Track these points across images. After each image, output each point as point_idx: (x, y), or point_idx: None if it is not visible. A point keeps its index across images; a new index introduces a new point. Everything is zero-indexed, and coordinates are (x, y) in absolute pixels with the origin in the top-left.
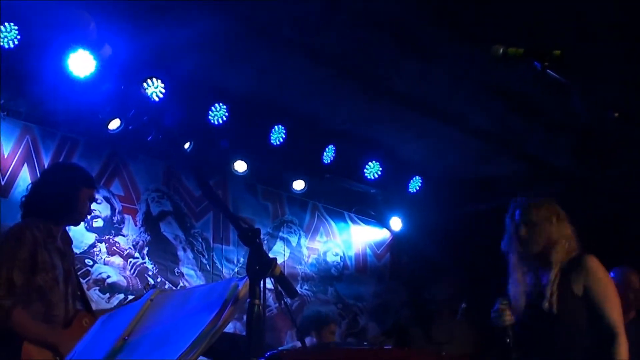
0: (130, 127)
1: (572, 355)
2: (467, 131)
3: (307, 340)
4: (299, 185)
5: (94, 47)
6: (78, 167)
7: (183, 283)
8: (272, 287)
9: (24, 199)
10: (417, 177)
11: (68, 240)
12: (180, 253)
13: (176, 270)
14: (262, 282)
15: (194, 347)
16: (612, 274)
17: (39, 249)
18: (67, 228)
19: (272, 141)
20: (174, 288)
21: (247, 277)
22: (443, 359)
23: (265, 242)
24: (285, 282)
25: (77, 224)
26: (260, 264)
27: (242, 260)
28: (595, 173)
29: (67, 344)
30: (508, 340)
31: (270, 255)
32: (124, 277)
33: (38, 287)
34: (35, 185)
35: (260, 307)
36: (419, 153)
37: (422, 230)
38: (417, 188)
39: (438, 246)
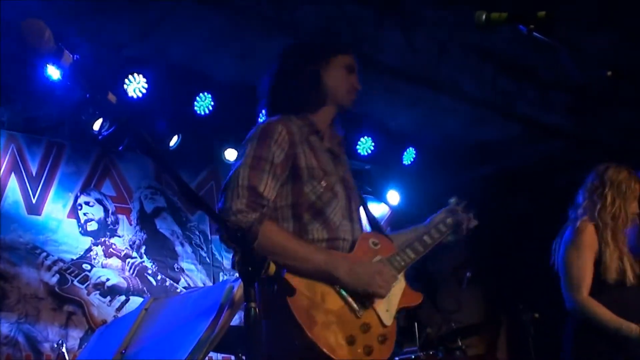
0: (114, 127)
1: None
2: (458, 97)
3: None
4: None
5: (53, 57)
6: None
7: (184, 278)
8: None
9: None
10: (411, 148)
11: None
12: (179, 248)
13: (176, 266)
14: (256, 283)
15: (192, 356)
16: None
17: (300, 150)
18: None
19: None
20: (175, 285)
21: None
22: None
23: None
24: (281, 280)
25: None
26: (252, 265)
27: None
28: (591, 130)
29: (351, 270)
30: None
31: None
32: (124, 278)
33: (310, 202)
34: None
35: (257, 310)
36: (411, 124)
37: (421, 202)
38: (412, 159)
39: None
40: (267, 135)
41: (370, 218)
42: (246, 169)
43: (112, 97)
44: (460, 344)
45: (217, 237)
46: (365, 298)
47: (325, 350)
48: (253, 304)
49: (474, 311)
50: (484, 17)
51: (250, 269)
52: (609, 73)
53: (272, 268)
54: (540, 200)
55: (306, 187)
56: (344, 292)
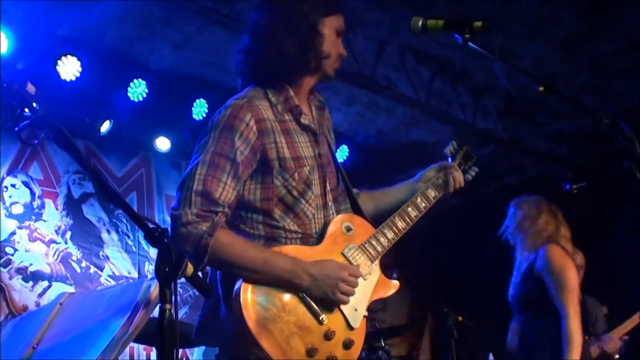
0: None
1: None
2: (393, 98)
3: None
4: None
5: None
6: None
7: (109, 266)
8: None
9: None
10: (344, 145)
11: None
12: (105, 235)
13: (101, 253)
14: (173, 285)
15: (104, 355)
16: None
17: (273, 138)
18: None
19: (194, 116)
20: (99, 272)
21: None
22: None
23: None
24: (199, 282)
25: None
26: (169, 266)
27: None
28: (521, 136)
29: (313, 278)
30: None
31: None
32: (47, 264)
33: (280, 197)
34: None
35: (172, 312)
36: (346, 122)
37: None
38: (345, 157)
39: None
40: (231, 127)
41: (348, 192)
42: (203, 167)
43: (31, 88)
44: (383, 344)
45: None
46: (332, 304)
47: None
48: (168, 306)
49: (398, 312)
50: (420, 23)
51: (167, 269)
52: (541, 88)
53: (190, 269)
54: (469, 204)
55: (276, 180)
56: (306, 297)
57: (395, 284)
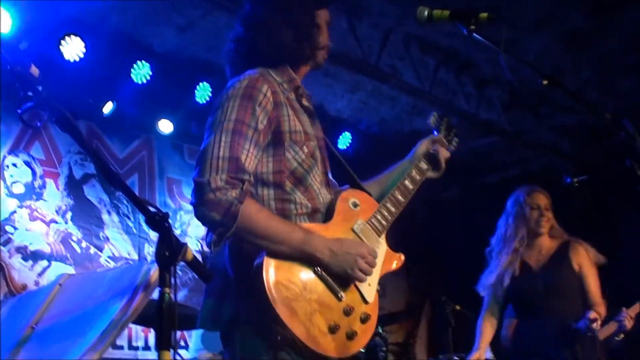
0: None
1: None
2: (397, 87)
3: None
4: None
5: None
6: None
7: (108, 247)
8: None
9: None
10: (347, 132)
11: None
12: (105, 217)
13: (101, 234)
14: (172, 269)
15: (103, 337)
16: None
17: (283, 112)
18: None
19: (197, 99)
20: (99, 253)
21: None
22: None
23: None
24: (198, 266)
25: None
26: (170, 250)
27: (170, 222)
28: (525, 128)
29: (332, 253)
30: None
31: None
32: (47, 243)
33: (292, 170)
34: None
35: (171, 296)
36: (349, 109)
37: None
38: (348, 144)
39: None
40: (250, 97)
41: (347, 171)
42: (227, 135)
43: (34, 71)
44: (380, 330)
45: None
46: (348, 279)
47: (308, 344)
48: (167, 290)
49: (396, 299)
50: (426, 13)
51: (167, 253)
52: (545, 82)
53: (190, 254)
54: (471, 195)
55: (288, 153)
56: (324, 274)
57: (399, 256)
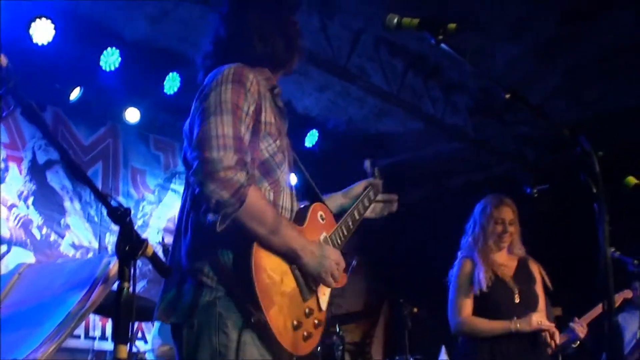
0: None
1: None
2: (365, 88)
3: None
4: None
5: None
6: None
7: (69, 235)
8: None
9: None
10: (314, 130)
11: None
12: (67, 204)
13: (63, 221)
14: (132, 263)
15: (60, 328)
16: None
17: (263, 103)
18: None
19: (165, 90)
20: (59, 240)
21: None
22: None
23: (157, 193)
24: (158, 262)
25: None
26: (130, 245)
27: (132, 212)
28: (489, 134)
29: (314, 254)
30: None
31: (161, 206)
32: (8, 228)
33: (263, 160)
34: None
35: (130, 290)
36: (318, 107)
37: (319, 186)
38: (314, 142)
39: None
40: (240, 82)
41: (308, 183)
42: (228, 114)
43: (3, 60)
44: (338, 329)
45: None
46: (315, 283)
47: (274, 333)
48: (126, 284)
49: (355, 299)
50: (395, 21)
51: (127, 247)
52: (507, 95)
53: (150, 249)
54: (433, 198)
55: (262, 144)
56: (297, 273)
57: (343, 276)
